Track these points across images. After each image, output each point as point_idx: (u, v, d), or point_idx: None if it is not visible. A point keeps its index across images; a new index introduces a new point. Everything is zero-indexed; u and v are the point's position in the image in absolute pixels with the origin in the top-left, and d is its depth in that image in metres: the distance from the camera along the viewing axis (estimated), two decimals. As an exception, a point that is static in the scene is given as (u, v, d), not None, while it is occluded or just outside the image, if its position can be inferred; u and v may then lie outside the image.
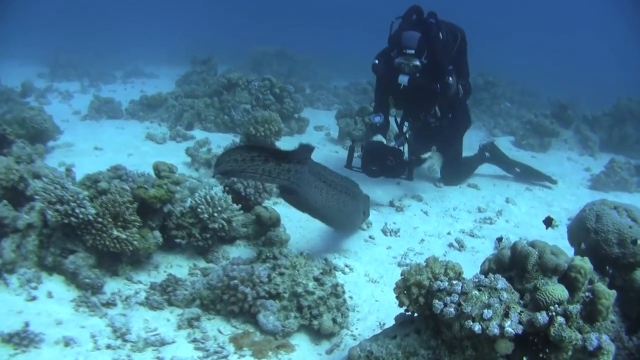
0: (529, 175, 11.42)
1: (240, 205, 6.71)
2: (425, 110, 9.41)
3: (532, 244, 3.94)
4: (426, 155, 9.77)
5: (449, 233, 8.32)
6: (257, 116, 9.21)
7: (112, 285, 5.69)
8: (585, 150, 15.45)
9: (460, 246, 7.73)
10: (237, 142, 9.67)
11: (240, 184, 7.09)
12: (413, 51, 8.39)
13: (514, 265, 4.07)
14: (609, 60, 39.69)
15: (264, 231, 6.96)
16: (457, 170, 10.65)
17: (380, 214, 8.91)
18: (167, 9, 44.89)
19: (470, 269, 6.64)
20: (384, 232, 8.13)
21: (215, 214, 6.36)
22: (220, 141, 11.37)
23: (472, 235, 8.27)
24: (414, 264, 4.20)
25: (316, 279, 5.28)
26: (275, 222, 6.96)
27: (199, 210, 6.31)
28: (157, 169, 6.38)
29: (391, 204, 9.31)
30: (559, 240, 7.26)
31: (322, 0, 57.92)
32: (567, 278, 3.74)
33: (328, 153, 12.32)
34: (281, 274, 5.28)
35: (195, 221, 6.39)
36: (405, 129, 9.80)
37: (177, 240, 6.35)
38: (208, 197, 6.38)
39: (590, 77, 30.36)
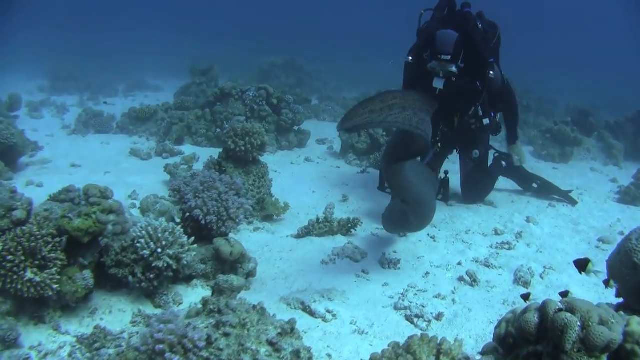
0: (549, 191, 10.34)
1: (193, 238, 5.62)
2: (462, 113, 8.68)
3: (572, 307, 2.70)
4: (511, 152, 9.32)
5: (459, 263, 7.05)
6: (237, 128, 8.20)
7: (34, 337, 4.65)
8: (609, 159, 14.53)
9: (473, 280, 6.43)
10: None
11: (199, 210, 5.89)
12: (449, 57, 7.64)
13: (544, 337, 2.78)
14: (624, 63, 39.11)
15: (226, 269, 5.88)
16: (483, 183, 9.60)
17: (379, 241, 7.75)
18: (176, 21, 44.80)
19: (484, 312, 5.53)
20: (382, 263, 6.90)
21: (159, 250, 5.16)
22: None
23: (487, 266, 7.00)
24: (388, 350, 2.92)
25: (271, 343, 3.92)
26: (239, 257, 5.87)
27: (138, 245, 5.14)
28: (86, 193, 5.16)
29: (393, 228, 8.07)
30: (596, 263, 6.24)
31: (334, 11, 57.70)
32: (621, 351, 2.56)
33: (327, 168, 11.37)
34: (226, 335, 3.91)
35: (138, 257, 5.19)
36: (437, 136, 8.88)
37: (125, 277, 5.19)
38: (150, 228, 5.22)
39: (605, 82, 29.90)
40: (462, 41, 7.73)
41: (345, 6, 60.24)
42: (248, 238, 7.42)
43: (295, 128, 13.06)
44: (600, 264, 7.04)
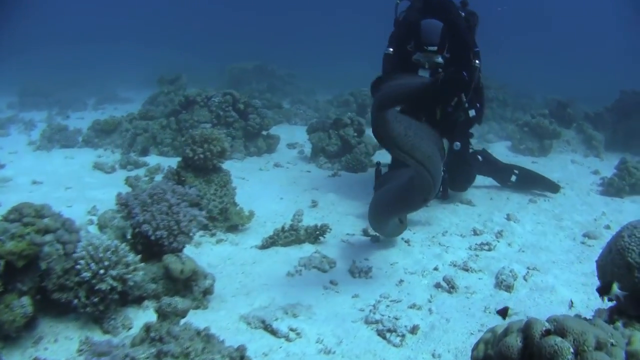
0: (530, 182, 9.94)
1: (139, 256, 5.08)
2: (446, 105, 8.15)
3: (562, 329, 2.19)
4: None
5: (436, 268, 6.48)
6: (195, 135, 7.65)
7: (-29, 373, 4.07)
8: (589, 150, 14.18)
9: (451, 287, 5.88)
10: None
11: (147, 225, 5.35)
12: (436, 48, 7.45)
13: (529, 364, 2.27)
14: (599, 55, 39.22)
15: (179, 288, 5.33)
16: (467, 172, 9.13)
17: (349, 247, 7.23)
18: (147, 32, 44.48)
19: (464, 322, 5.03)
20: (352, 272, 6.34)
21: (102, 271, 4.62)
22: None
23: (466, 269, 6.45)
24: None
25: (217, 375, 3.42)
26: (191, 275, 5.30)
27: (78, 267, 4.58)
28: (20, 212, 4.61)
29: (365, 233, 7.65)
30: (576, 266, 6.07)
31: (305, 14, 57.65)
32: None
33: (297, 173, 10.85)
34: (167, 367, 3.41)
35: (81, 280, 4.65)
36: None
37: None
38: (90, 248, 4.67)
39: (581, 75, 29.73)
40: (447, 30, 7.52)
41: (316, 9, 60.08)
42: (210, 251, 6.92)
43: (264, 133, 12.57)
44: (587, 262, 6.67)
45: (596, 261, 3.78)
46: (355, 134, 11.24)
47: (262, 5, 59.21)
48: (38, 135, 13.34)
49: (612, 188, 10.12)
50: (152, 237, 5.38)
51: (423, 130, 5.13)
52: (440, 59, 7.50)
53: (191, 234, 5.61)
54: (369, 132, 11.88)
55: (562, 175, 11.01)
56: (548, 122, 13.73)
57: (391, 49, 8.07)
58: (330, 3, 58.86)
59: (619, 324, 3.34)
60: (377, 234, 7.36)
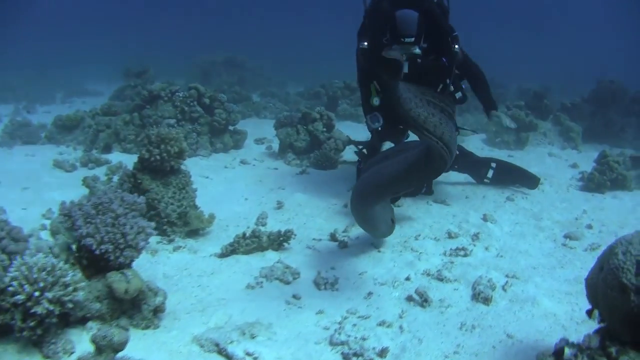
0: (508, 175, 9.59)
1: (80, 275, 4.61)
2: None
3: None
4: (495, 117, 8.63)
5: (408, 278, 5.98)
6: (151, 134, 7.14)
7: None
8: (567, 142, 13.89)
9: (424, 300, 5.39)
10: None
11: (91, 238, 4.84)
12: (413, 39, 7.13)
13: None
14: (574, 43, 39.27)
15: (126, 307, 4.84)
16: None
17: (315, 255, 6.73)
18: (115, 24, 44.07)
19: (438, 342, 4.76)
20: (317, 284, 5.84)
21: (37, 294, 4.12)
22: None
23: (440, 279, 5.94)
24: None
25: None
26: (137, 296, 4.81)
27: (10, 289, 4.08)
28: None
29: (333, 238, 7.17)
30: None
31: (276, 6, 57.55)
32: None
33: (264, 171, 10.37)
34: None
35: (17, 302, 4.17)
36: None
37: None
38: (24, 268, 4.17)
39: (554, 64, 29.60)
40: (424, 19, 7.23)
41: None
42: (166, 260, 6.41)
43: (231, 128, 12.12)
44: (569, 266, 6.24)
45: (585, 279, 3.38)
46: (325, 129, 10.83)
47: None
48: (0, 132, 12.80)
49: (593, 183, 9.76)
50: (97, 252, 4.88)
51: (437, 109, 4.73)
52: (417, 50, 7.20)
53: (139, 247, 5.12)
54: (338, 126, 11.51)
55: (539, 169, 10.58)
56: (524, 113, 13.39)
57: (365, 43, 7.77)
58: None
59: (612, 350, 2.97)
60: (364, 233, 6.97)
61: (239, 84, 20.74)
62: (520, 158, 11.74)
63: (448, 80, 7.94)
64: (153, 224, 5.71)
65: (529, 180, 9.47)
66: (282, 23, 49.72)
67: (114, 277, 4.77)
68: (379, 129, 8.03)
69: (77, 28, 41.91)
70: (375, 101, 8.04)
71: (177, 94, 11.66)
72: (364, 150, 8.98)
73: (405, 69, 7.31)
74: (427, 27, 7.33)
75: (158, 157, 7.00)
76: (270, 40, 38.52)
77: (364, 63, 7.94)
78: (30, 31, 37.38)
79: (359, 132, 13.25)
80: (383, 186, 5.85)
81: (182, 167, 7.76)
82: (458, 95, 8.22)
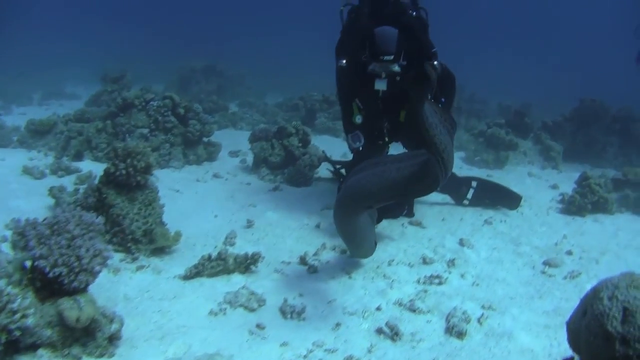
0: (489, 193, 9.43)
1: (29, 301, 4.29)
2: (407, 112, 7.89)
3: None
4: None
5: (378, 308, 5.68)
6: (117, 147, 6.88)
7: None
8: (547, 162, 13.65)
9: (395, 334, 5.09)
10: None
11: (44, 260, 4.54)
12: (392, 57, 7.01)
13: None
14: (554, 60, 39.39)
15: (78, 334, 4.54)
16: None
17: (283, 280, 6.42)
18: (96, 25, 43.83)
19: None
20: (283, 312, 5.53)
21: (-21, 320, 3.85)
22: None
23: (412, 310, 5.65)
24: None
25: None
26: (89, 325, 4.50)
27: (-48, 315, 3.81)
28: None
29: (302, 262, 6.85)
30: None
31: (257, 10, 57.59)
32: None
33: (236, 186, 10.04)
34: None
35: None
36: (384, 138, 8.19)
37: None
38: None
39: (534, 80, 29.61)
40: (403, 36, 7.10)
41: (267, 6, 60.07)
42: (128, 280, 6.08)
43: (205, 140, 11.78)
44: (548, 296, 5.99)
45: (567, 323, 3.10)
46: (300, 144, 10.53)
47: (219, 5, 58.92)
48: (-29, 134, 12.38)
49: (574, 206, 9.52)
50: (50, 275, 4.60)
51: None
52: (397, 68, 7.09)
53: (95, 271, 4.82)
54: (316, 140, 11.26)
55: (519, 190, 10.30)
56: (504, 132, 13.17)
57: (344, 61, 7.63)
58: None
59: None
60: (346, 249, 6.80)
61: (217, 93, 20.60)
62: (499, 178, 11.41)
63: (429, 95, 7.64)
64: (111, 246, 5.46)
65: (510, 200, 9.28)
66: (265, 32, 49.48)
67: (65, 305, 4.47)
68: (360, 148, 7.78)
69: (60, 29, 41.58)
70: (358, 119, 7.87)
71: (151, 103, 11.37)
72: (342, 170, 8.81)
73: (384, 87, 7.19)
74: (407, 44, 7.18)
75: (124, 171, 6.73)
76: (252, 48, 38.33)
77: (344, 81, 7.79)
78: (15, 32, 37.10)
79: (337, 146, 13.04)
80: (372, 193, 5.44)
81: (153, 178, 7.51)
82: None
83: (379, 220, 7.43)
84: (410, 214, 7.99)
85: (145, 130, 11.01)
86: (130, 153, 6.78)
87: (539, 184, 11.76)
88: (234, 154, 12.33)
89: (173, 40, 39.82)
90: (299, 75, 27.08)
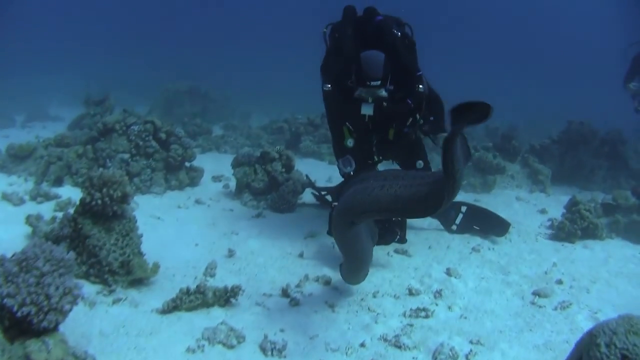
0: (478, 219, 9.25)
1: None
2: (397, 126, 7.86)
3: None
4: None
5: (362, 344, 5.43)
6: (93, 176, 6.66)
7: None
8: (535, 185, 13.44)
9: (379, 373, 4.95)
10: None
11: (12, 299, 4.32)
12: (379, 82, 6.91)
13: None
14: (541, 81, 39.48)
15: (47, 382, 4.29)
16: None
17: (264, 314, 6.17)
18: (82, 47, 43.75)
19: None
20: (263, 349, 5.27)
21: None
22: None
23: (398, 346, 5.40)
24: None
25: None
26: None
27: None
28: None
29: (284, 294, 6.60)
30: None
31: (241, 33, 57.67)
32: None
33: (219, 212, 9.82)
34: None
35: None
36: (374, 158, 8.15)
37: None
38: None
39: (523, 101, 29.67)
40: (389, 61, 7.03)
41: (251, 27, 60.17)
42: (104, 314, 5.83)
43: (187, 164, 11.55)
44: (538, 329, 5.78)
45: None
46: (283, 170, 10.36)
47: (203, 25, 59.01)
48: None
49: (563, 232, 9.31)
50: (18, 314, 4.37)
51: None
52: (384, 93, 7.02)
53: (65, 310, 4.60)
54: (301, 163, 11.09)
55: (507, 215, 10.13)
56: (492, 155, 12.98)
57: (329, 85, 7.51)
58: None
59: None
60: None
61: (202, 115, 20.50)
62: (486, 202, 11.19)
63: (416, 117, 7.80)
64: (82, 283, 5.23)
65: (499, 227, 9.10)
66: (250, 53, 49.44)
67: (32, 347, 4.26)
68: (352, 173, 7.67)
69: (45, 52, 41.44)
70: (350, 143, 7.76)
71: (132, 127, 11.16)
72: (328, 197, 8.87)
73: (370, 111, 7.07)
74: (393, 67, 7.07)
75: (100, 201, 6.51)
76: (238, 69, 38.23)
77: (332, 105, 7.73)
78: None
79: (322, 170, 12.89)
80: (371, 204, 5.17)
81: (134, 204, 7.62)
82: (425, 127, 8.05)
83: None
84: (402, 240, 7.79)
85: (126, 156, 10.83)
86: (106, 182, 6.57)
87: (527, 208, 11.58)
88: (217, 178, 12.14)
89: (159, 62, 39.69)
90: (285, 96, 27.02)
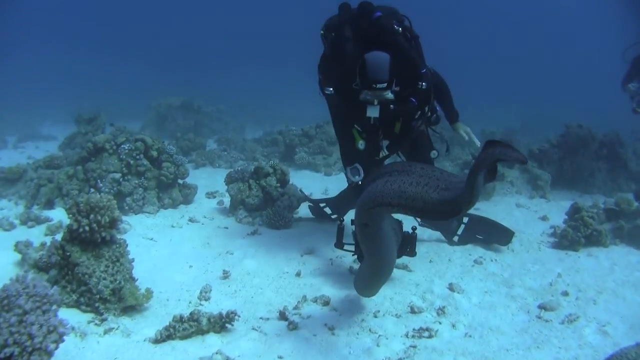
0: (481, 229, 9.06)
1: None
2: (404, 121, 7.67)
3: None
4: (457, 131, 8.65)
5: None
6: (80, 202, 6.44)
7: None
8: (535, 191, 13.22)
9: (383, 404, 4.70)
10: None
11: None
12: (385, 84, 6.68)
13: None
14: (538, 83, 39.38)
15: None
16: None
17: (261, 339, 5.90)
18: (73, 64, 43.62)
19: None
20: None
21: None
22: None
23: None
24: None
25: None
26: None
27: None
28: None
29: (282, 317, 6.35)
30: None
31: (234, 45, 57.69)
32: None
33: (213, 230, 9.55)
34: None
35: None
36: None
37: None
38: None
39: (520, 104, 29.52)
40: (394, 61, 6.75)
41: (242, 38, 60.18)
42: (95, 345, 5.58)
43: (180, 182, 11.32)
44: (546, 345, 5.55)
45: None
46: (278, 184, 10.15)
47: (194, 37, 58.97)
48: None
49: (566, 240, 9.08)
50: (1, 356, 4.15)
51: None
52: (390, 95, 6.82)
53: (49, 350, 4.37)
54: (296, 175, 10.89)
55: (508, 223, 9.91)
56: (490, 162, 12.70)
57: (331, 89, 7.28)
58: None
59: None
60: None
61: (195, 129, 20.41)
62: (486, 210, 10.98)
63: (424, 110, 7.74)
64: (67, 321, 4.98)
65: (502, 236, 8.91)
66: (242, 65, 49.30)
67: (16, 390, 4.04)
68: (360, 182, 7.48)
69: (37, 67, 41.30)
70: (361, 145, 7.57)
71: (122, 146, 10.92)
72: (326, 209, 9.00)
73: (376, 114, 6.92)
74: (398, 67, 6.86)
75: (87, 227, 6.29)
76: (230, 82, 38.06)
77: (339, 111, 7.64)
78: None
79: (317, 181, 12.72)
80: (394, 196, 4.85)
81: (126, 225, 7.81)
82: (434, 118, 8.01)
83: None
84: (412, 253, 7.35)
85: (117, 175, 10.57)
86: (93, 208, 6.35)
87: (528, 215, 11.34)
88: (211, 195, 11.93)
89: (152, 76, 39.51)
90: (279, 108, 26.85)
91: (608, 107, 20.96)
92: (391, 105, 6.98)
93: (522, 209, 11.82)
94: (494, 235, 8.95)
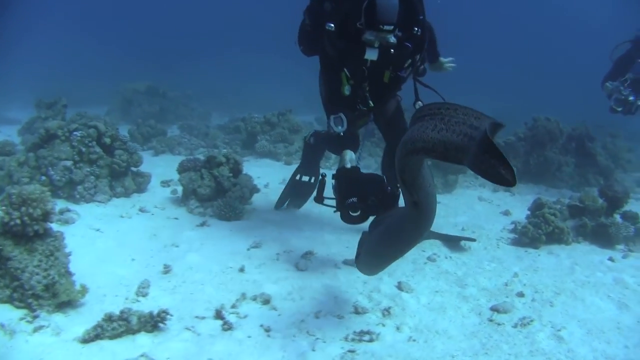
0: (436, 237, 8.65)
1: None
2: (393, 69, 7.46)
3: None
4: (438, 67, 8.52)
5: None
6: (12, 194, 6.08)
7: None
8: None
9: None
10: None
11: None
12: (392, 27, 6.56)
13: None
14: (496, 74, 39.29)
15: None
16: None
17: (193, 339, 5.58)
18: (41, 46, 43.01)
19: None
20: None
21: None
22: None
23: None
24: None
25: None
26: None
27: None
28: None
29: (218, 316, 6.01)
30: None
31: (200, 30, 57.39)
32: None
33: (162, 222, 9.17)
34: None
35: None
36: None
37: None
38: None
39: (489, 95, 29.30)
40: (404, 5, 6.63)
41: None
42: (23, 344, 5.26)
43: (134, 169, 10.96)
44: (495, 351, 5.28)
45: None
46: (231, 174, 9.83)
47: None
48: None
49: (526, 237, 8.82)
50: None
51: None
52: (393, 39, 6.71)
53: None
54: (256, 164, 10.60)
55: (468, 218, 9.67)
56: (453, 154, 12.44)
57: (332, 25, 6.97)
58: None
59: None
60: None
61: (160, 115, 20.07)
62: (446, 204, 10.70)
63: (415, 59, 7.47)
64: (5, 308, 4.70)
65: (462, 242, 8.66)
66: (212, 51, 48.92)
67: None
68: (342, 133, 7.28)
69: (9, 48, 40.82)
70: (347, 90, 7.38)
71: (74, 133, 10.53)
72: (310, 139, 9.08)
73: (375, 57, 6.80)
74: (405, 18, 6.77)
75: (18, 221, 5.95)
76: (207, 68, 37.69)
77: (334, 48, 7.24)
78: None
79: (277, 170, 12.45)
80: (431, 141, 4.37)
81: (74, 215, 7.79)
82: (421, 69, 7.78)
83: (357, 222, 6.75)
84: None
85: (69, 163, 10.17)
86: (25, 200, 6.01)
87: (489, 209, 11.08)
88: (165, 183, 11.52)
89: (126, 61, 39.06)
90: (252, 94, 26.54)
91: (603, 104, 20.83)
92: (391, 50, 6.86)
93: (484, 203, 11.57)
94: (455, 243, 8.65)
